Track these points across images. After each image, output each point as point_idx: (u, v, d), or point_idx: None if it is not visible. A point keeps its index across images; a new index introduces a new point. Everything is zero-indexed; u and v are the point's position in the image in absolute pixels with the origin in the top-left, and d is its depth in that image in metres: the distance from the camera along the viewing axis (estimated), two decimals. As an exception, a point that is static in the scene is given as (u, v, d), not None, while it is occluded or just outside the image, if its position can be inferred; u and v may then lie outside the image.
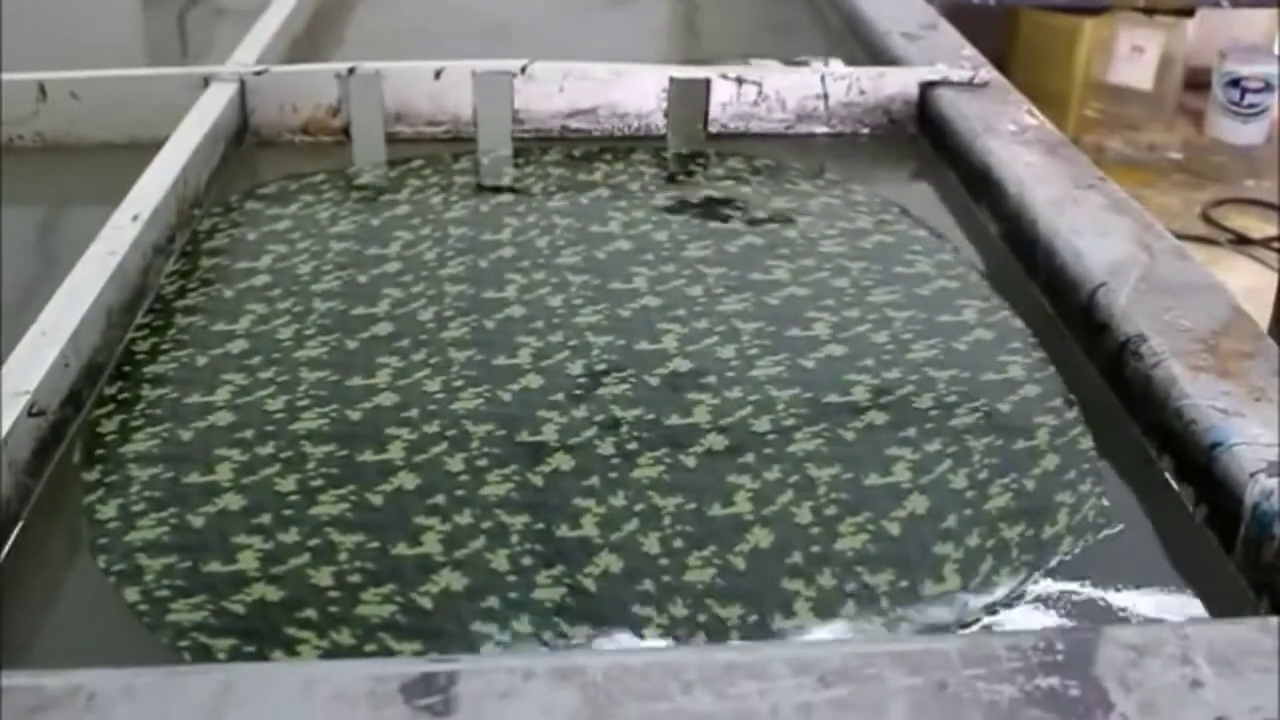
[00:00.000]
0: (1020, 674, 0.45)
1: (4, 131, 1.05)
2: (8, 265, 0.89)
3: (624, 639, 0.56)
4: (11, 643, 0.56)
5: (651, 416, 0.70)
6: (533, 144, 1.09)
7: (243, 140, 1.07)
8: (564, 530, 0.62)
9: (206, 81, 1.07)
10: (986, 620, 0.57)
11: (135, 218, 0.84)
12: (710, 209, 0.97)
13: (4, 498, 0.61)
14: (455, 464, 0.67)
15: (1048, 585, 0.59)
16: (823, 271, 0.87)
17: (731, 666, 0.46)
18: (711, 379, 0.74)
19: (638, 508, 0.63)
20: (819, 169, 1.04)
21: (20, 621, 0.57)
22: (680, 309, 0.82)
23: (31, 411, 0.65)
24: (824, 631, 0.56)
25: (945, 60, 1.15)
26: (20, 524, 0.63)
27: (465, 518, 0.63)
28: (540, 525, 0.62)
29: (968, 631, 0.56)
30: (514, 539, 0.61)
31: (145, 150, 0.95)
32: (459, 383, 0.74)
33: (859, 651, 0.46)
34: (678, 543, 0.61)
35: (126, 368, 0.75)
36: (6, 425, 0.62)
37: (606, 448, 0.68)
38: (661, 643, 0.56)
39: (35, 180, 1.03)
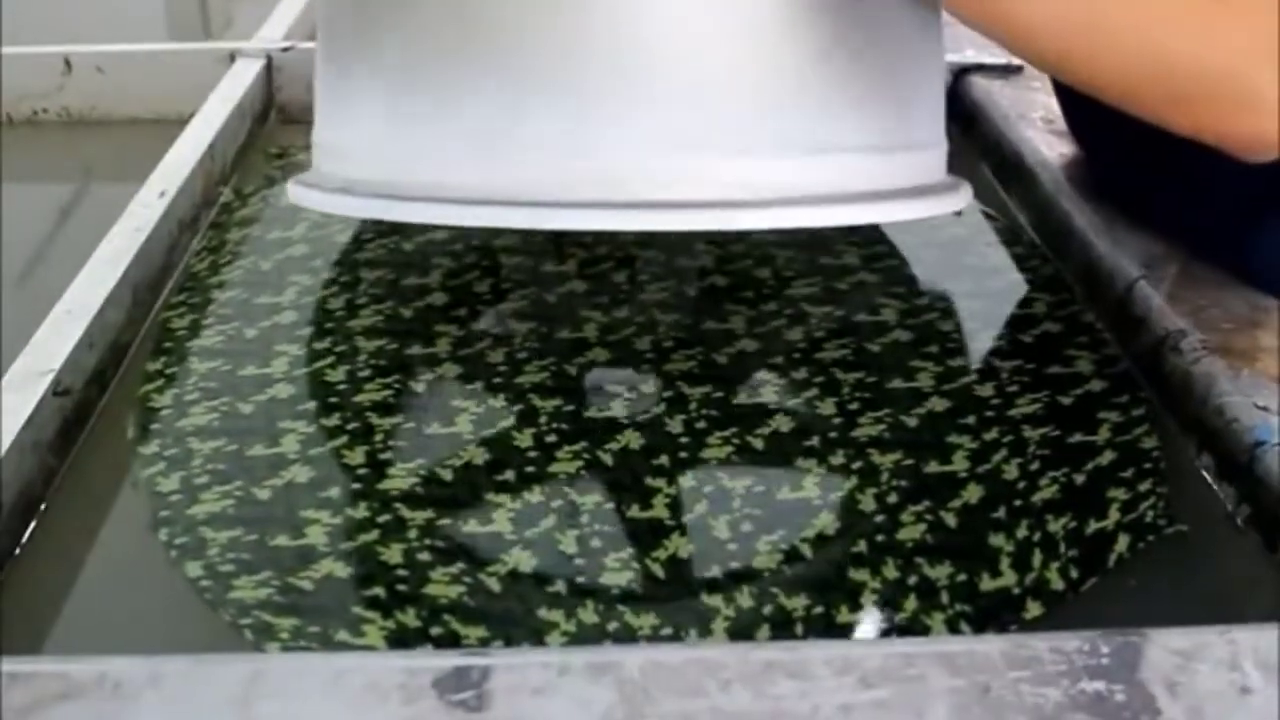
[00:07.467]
0: (1065, 677, 0.44)
1: (29, 105, 1.05)
2: (31, 242, 0.88)
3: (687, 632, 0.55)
4: (33, 627, 0.55)
5: (720, 395, 0.70)
6: None
7: (268, 117, 1.07)
8: (634, 511, 0.61)
9: (233, 57, 1.06)
10: (1031, 617, 0.56)
11: (162, 194, 0.83)
12: None
13: (28, 478, 0.61)
14: (524, 439, 0.66)
15: (1092, 583, 0.58)
16: (895, 259, 0.86)
17: (771, 665, 0.45)
18: (778, 359, 0.73)
19: (707, 489, 0.63)
20: None
21: (43, 605, 0.57)
22: (748, 290, 0.81)
23: (56, 390, 0.64)
24: (885, 626, 0.56)
25: (975, 45, 1.13)
26: (44, 504, 0.62)
27: (535, 495, 0.62)
28: (610, 505, 0.61)
29: (1012, 632, 0.55)
30: (584, 519, 0.60)
31: (170, 125, 0.94)
32: (522, 355, 0.73)
33: (901, 651, 0.46)
34: (746, 526, 0.60)
35: (168, 344, 0.74)
36: (31, 405, 0.62)
37: (675, 425, 0.67)
38: (720, 636, 0.55)
39: (60, 155, 1.02)
